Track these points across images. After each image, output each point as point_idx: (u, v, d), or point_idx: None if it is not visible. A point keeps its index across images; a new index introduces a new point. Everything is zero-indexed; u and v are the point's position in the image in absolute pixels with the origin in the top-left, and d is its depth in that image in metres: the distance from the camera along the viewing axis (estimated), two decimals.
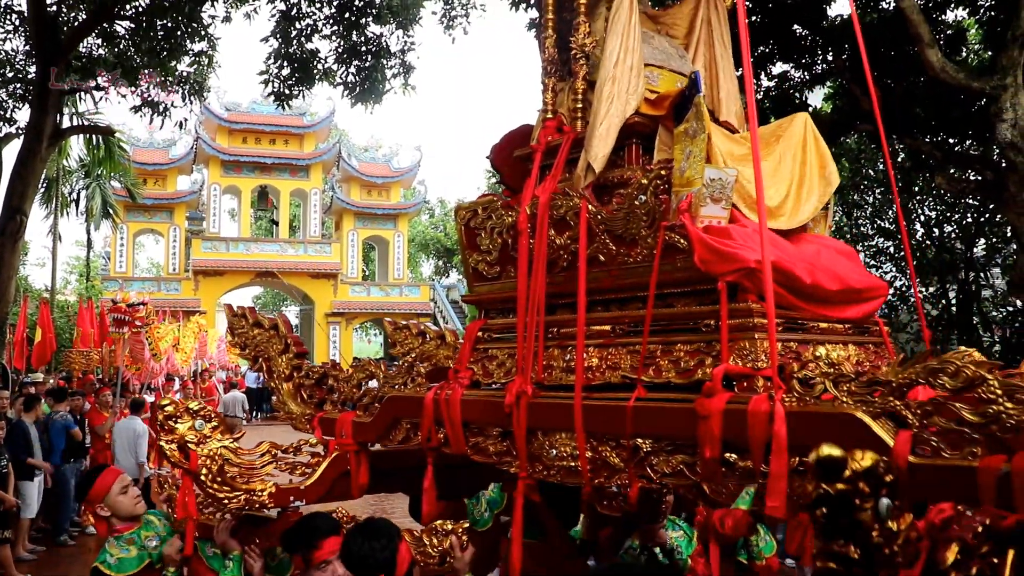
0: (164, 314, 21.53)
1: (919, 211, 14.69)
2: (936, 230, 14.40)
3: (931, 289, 14.34)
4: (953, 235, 14.22)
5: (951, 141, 13.82)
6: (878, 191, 14.98)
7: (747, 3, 13.70)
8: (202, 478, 3.78)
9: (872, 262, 15.15)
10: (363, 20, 15.05)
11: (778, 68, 14.30)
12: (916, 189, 14.61)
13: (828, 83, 14.33)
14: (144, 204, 30.31)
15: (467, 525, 4.36)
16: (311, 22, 15.13)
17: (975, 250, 14.01)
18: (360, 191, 34.30)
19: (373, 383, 4.38)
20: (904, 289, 14.65)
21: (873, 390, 2.18)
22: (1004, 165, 11.31)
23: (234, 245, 32.69)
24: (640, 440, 2.78)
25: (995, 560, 1.79)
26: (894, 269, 14.85)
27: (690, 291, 2.88)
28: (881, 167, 14.83)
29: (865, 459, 1.63)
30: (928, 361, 2.10)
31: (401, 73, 15.62)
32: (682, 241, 2.84)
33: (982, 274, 13.84)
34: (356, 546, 3.19)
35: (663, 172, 2.95)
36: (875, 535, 1.61)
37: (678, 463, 2.68)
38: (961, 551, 1.75)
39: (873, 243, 15.11)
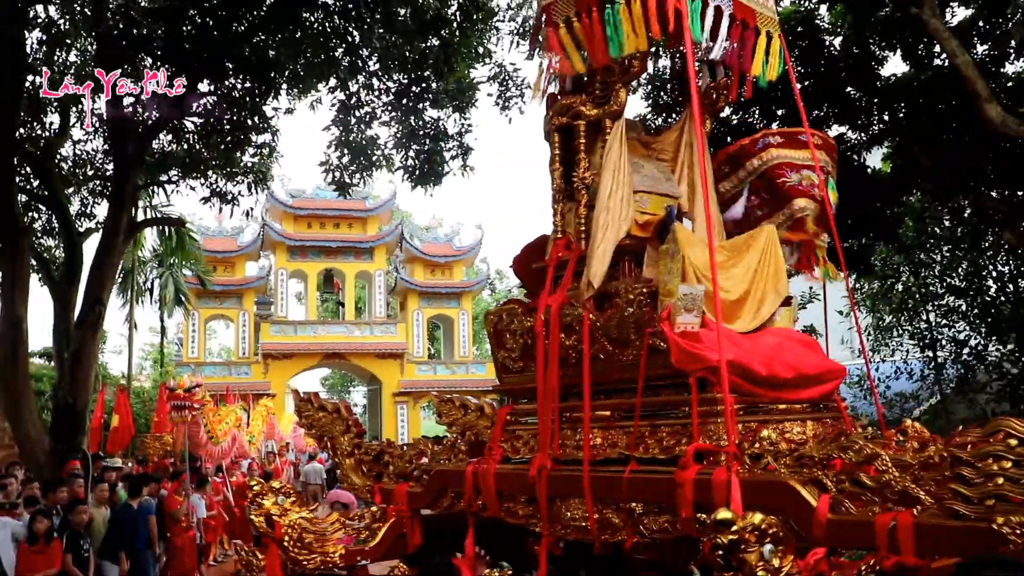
0: (234, 397, 22.64)
1: (991, 267, 14.85)
2: (1011, 286, 14.53)
3: (1009, 347, 14.42)
4: None
5: (1019, 195, 14.04)
6: (945, 249, 15.20)
7: (800, 68, 14.34)
8: (285, 544, 4.75)
9: (944, 321, 15.30)
10: (420, 105, 16.06)
11: (835, 131, 14.79)
12: (986, 245, 14.79)
13: (886, 143, 14.73)
14: (214, 290, 31.93)
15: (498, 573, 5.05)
16: (370, 110, 16.19)
17: None
18: (423, 271, 35.52)
19: (424, 460, 5.22)
20: (980, 348, 14.74)
21: (803, 463, 2.82)
22: None
23: (302, 328, 34.08)
24: (634, 504, 3.55)
25: None
26: (967, 328, 14.98)
27: (671, 384, 3.68)
28: (948, 224, 15.05)
29: (753, 517, 2.30)
30: (840, 441, 2.75)
31: (460, 155, 16.53)
32: (662, 344, 3.64)
33: None
34: None
35: (644, 290, 3.82)
36: (760, 570, 2.25)
37: (663, 521, 3.45)
38: None
39: (943, 302, 15.28)
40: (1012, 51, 13.70)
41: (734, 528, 2.36)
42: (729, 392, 3.32)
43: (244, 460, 21.01)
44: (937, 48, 13.80)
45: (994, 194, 14.06)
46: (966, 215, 14.68)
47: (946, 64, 13.87)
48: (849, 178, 13.99)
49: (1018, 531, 2.26)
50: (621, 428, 3.83)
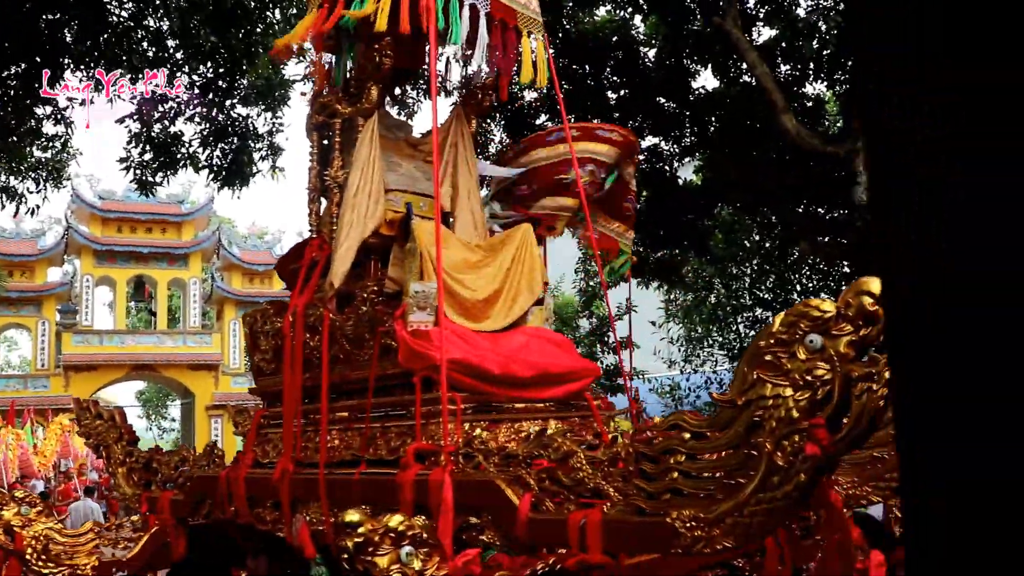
0: (28, 412, 21.21)
1: (796, 280, 15.68)
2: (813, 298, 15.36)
3: None
4: None
5: (820, 210, 14.90)
6: (754, 262, 15.94)
7: (615, 78, 14.74)
8: (27, 557, 4.56)
9: (752, 332, 16.03)
10: (228, 101, 15.48)
11: (648, 141, 15.26)
12: (792, 260, 15.61)
13: (698, 155, 15.33)
14: (9, 297, 29.83)
15: None
16: (174, 104, 15.45)
17: None
18: (242, 279, 34.46)
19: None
20: None
21: (510, 462, 2.78)
22: (863, 228, 12.29)
23: (108, 338, 32.35)
24: (365, 506, 3.37)
25: None
26: None
27: (402, 384, 3.67)
28: (757, 238, 15.78)
29: (389, 520, 2.23)
30: (541, 439, 2.74)
31: (269, 155, 16.03)
32: (395, 343, 3.62)
33: None
34: None
35: (375, 288, 3.84)
36: (396, 573, 2.18)
37: None
38: None
39: (752, 313, 16.02)
40: (811, 72, 14.57)
41: (361, 531, 2.28)
42: (459, 391, 3.33)
43: (35, 481, 19.61)
44: (745, 64, 14.49)
45: (800, 210, 14.89)
46: (776, 231, 15.45)
47: (753, 80, 14.59)
48: (661, 189, 14.52)
49: (688, 524, 2.29)
50: (357, 430, 3.80)
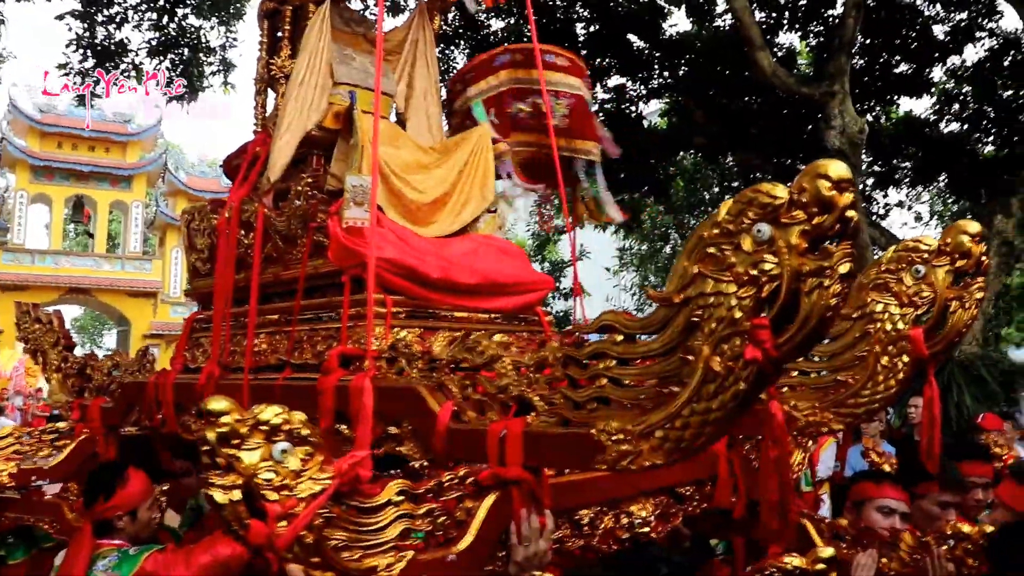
0: None
1: None
2: None
3: None
4: None
5: (787, 163, 14.92)
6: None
7: (586, 14, 14.53)
8: None
9: None
10: (179, 10, 15.06)
11: (615, 81, 15.14)
12: None
13: (665, 98, 15.26)
14: None
15: None
16: (120, 9, 14.94)
17: None
18: (188, 206, 33.73)
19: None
20: None
21: (433, 367, 2.69)
22: None
23: (40, 258, 31.56)
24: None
25: (470, 505, 2.43)
26: None
27: (336, 284, 3.48)
28: (717, 189, 15.81)
29: (261, 412, 2.08)
30: (466, 341, 2.66)
31: (221, 71, 15.69)
32: (327, 240, 3.49)
33: None
34: None
35: (310, 180, 3.69)
36: (267, 471, 2.05)
37: None
38: (404, 492, 2.34)
39: None
40: (786, 21, 14.53)
41: (225, 420, 2.07)
42: (393, 294, 3.23)
43: None
44: (719, 8, 14.37)
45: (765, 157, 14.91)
46: (735, 184, 15.46)
47: (727, 25, 14.47)
48: (624, 131, 14.45)
49: (615, 437, 2.11)
50: (285, 333, 3.66)
